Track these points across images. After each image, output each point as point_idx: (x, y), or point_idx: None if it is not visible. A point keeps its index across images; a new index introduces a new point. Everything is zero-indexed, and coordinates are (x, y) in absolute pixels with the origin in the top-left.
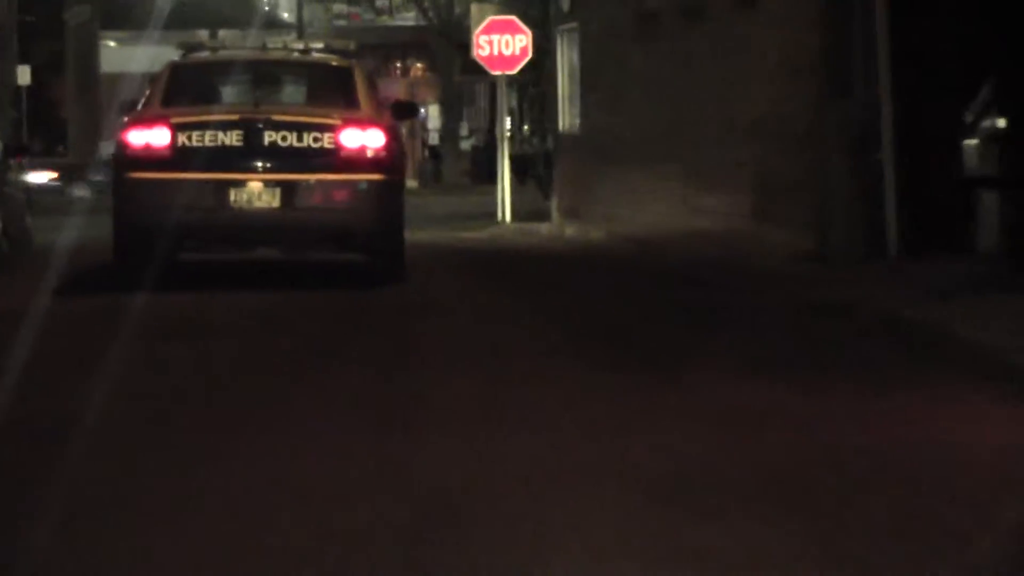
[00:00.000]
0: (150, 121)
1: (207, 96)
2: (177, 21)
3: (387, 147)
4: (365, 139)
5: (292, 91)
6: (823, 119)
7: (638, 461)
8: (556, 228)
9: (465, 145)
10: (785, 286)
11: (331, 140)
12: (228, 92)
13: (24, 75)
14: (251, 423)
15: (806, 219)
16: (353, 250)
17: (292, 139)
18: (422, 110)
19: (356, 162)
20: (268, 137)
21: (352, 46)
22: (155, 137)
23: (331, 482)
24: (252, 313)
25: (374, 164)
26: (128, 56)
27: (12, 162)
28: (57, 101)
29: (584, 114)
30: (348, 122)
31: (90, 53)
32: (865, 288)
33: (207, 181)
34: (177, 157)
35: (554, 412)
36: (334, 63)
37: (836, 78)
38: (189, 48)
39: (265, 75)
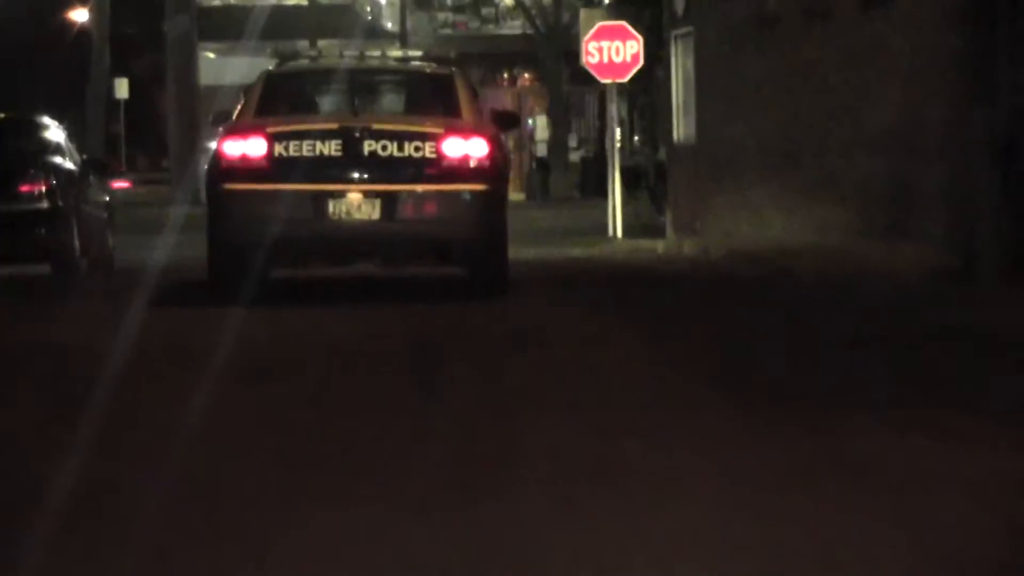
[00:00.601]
0: (245, 131)
1: (304, 105)
2: (276, 31)
3: (491, 156)
4: (468, 148)
5: (391, 100)
6: (965, 127)
7: (813, 544)
8: (672, 246)
9: (574, 157)
10: (930, 310)
11: (433, 149)
12: (325, 101)
13: (122, 88)
14: (320, 485)
15: (945, 234)
16: (454, 264)
17: (393, 148)
18: (529, 121)
19: (459, 172)
20: (368, 147)
21: (453, 54)
22: (251, 147)
23: (410, 564)
24: (340, 340)
25: (477, 174)
26: (226, 67)
27: (92, 179)
28: (161, 115)
29: (700, 123)
30: (450, 131)
31: (189, 65)
32: (1018, 311)
33: (305, 192)
34: (274, 168)
35: (685, 471)
36: (434, 71)
37: (978, 83)
38: (284, 57)
39: (363, 83)
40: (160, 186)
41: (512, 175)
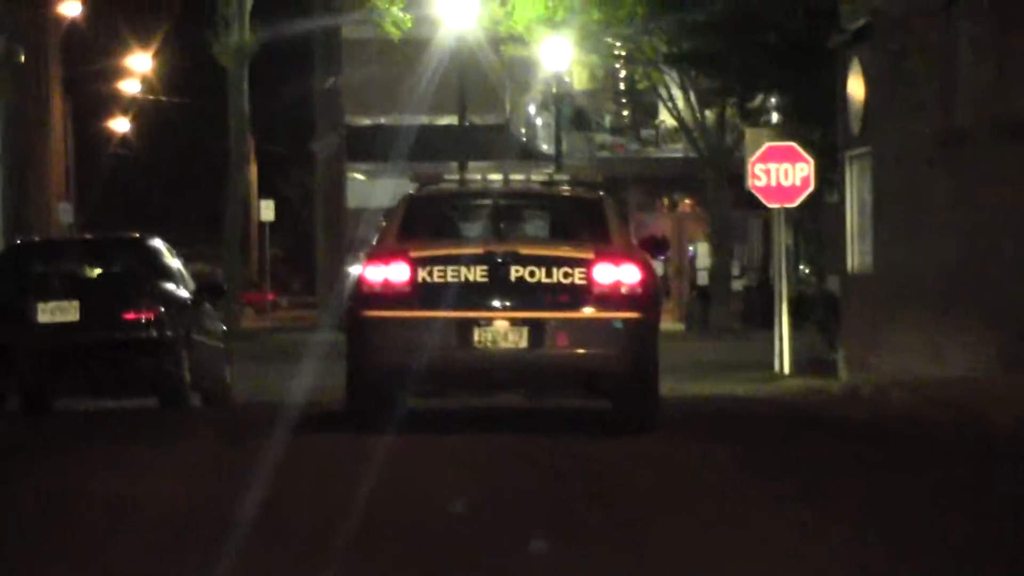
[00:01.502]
0: (387, 256)
1: (447, 230)
2: (424, 152)
3: (643, 283)
4: (619, 275)
5: (537, 224)
6: None
7: None
8: (847, 387)
9: (736, 285)
10: None
11: (583, 275)
12: (469, 225)
13: (268, 211)
14: None
15: None
16: (603, 395)
17: (541, 275)
18: (690, 248)
19: (610, 299)
20: (515, 272)
21: (599, 178)
22: (393, 273)
23: None
24: (470, 484)
25: (629, 302)
26: (374, 189)
27: (207, 307)
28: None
29: (876, 251)
30: (601, 256)
31: (337, 185)
32: None
33: (449, 320)
34: (417, 294)
35: None
36: (582, 195)
37: None
38: (425, 180)
39: (508, 207)
40: (312, 310)
41: (671, 304)
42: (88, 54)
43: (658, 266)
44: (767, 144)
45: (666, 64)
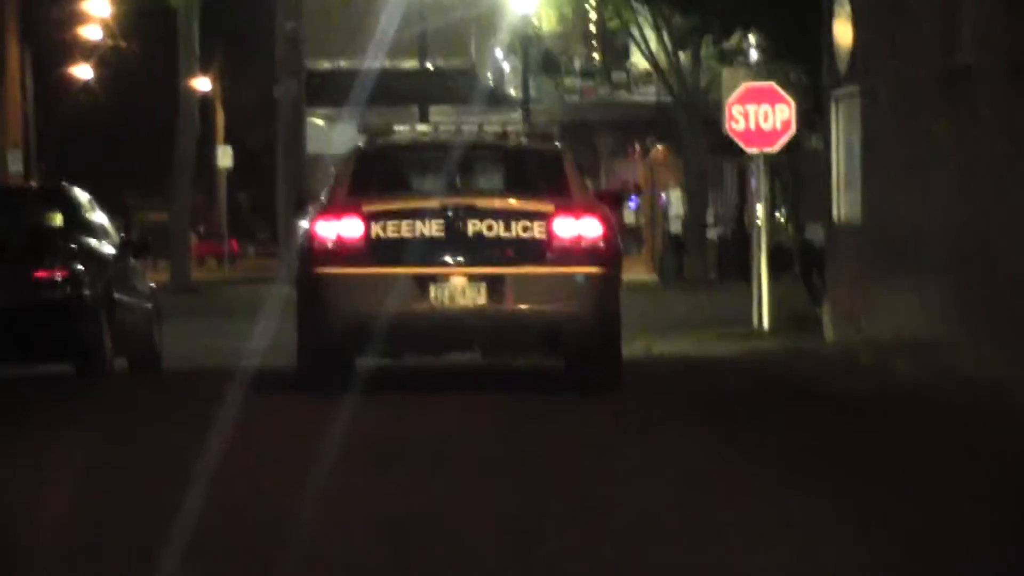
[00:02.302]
0: (339, 211)
1: (400, 183)
2: (388, 96)
3: (605, 237)
4: (580, 228)
5: (494, 177)
6: None
7: None
8: (838, 349)
9: (711, 235)
10: None
11: (543, 229)
12: (423, 178)
13: (225, 157)
14: None
15: None
16: (564, 354)
17: (499, 228)
18: (662, 195)
19: (571, 254)
20: (472, 226)
21: (555, 129)
22: (345, 228)
23: None
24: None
25: (591, 256)
26: (333, 135)
27: (135, 262)
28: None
29: (867, 201)
30: (561, 209)
31: (297, 132)
32: None
33: (405, 276)
34: (370, 250)
35: None
36: (539, 146)
37: None
38: (375, 131)
39: (463, 160)
40: (275, 260)
41: (644, 254)
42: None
43: (630, 215)
44: (745, 84)
45: (639, 1)
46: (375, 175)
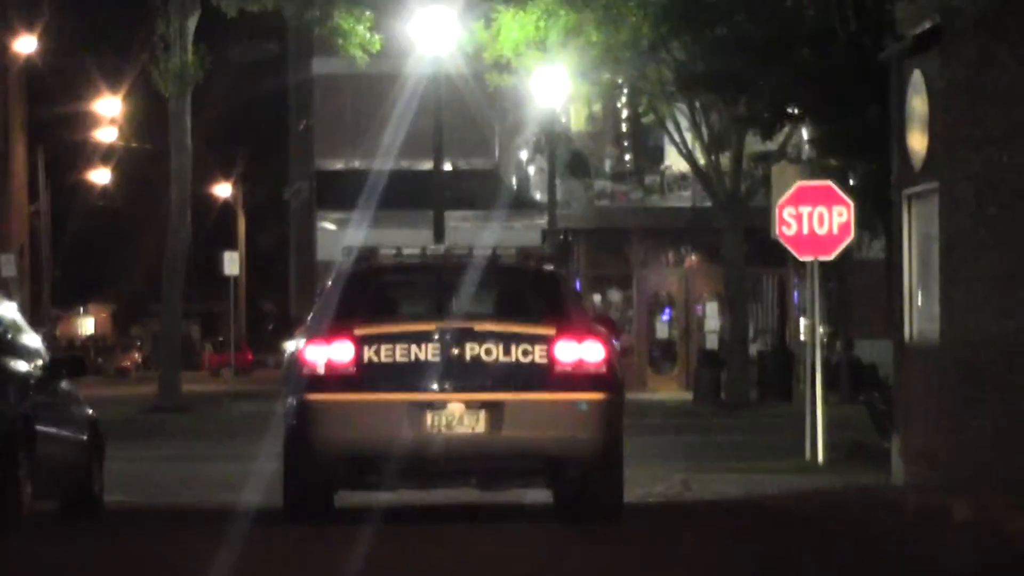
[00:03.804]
0: (330, 334)
1: (392, 305)
2: (401, 200)
3: (607, 361)
4: (583, 352)
5: (489, 299)
6: None
7: None
8: (917, 495)
9: (751, 351)
10: None
11: (544, 353)
12: (417, 301)
13: (232, 265)
14: None
15: None
16: (565, 483)
17: (498, 352)
18: (698, 307)
19: (574, 379)
20: (470, 351)
21: (547, 248)
22: (336, 352)
23: None
24: None
25: (594, 381)
26: (346, 240)
27: (68, 386)
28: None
29: (948, 316)
30: (563, 333)
31: (308, 236)
32: None
33: (399, 403)
34: (363, 375)
35: None
36: (536, 267)
37: None
38: (363, 254)
39: (458, 281)
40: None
41: (677, 370)
42: (54, 99)
43: (662, 328)
44: (798, 183)
45: (678, 89)
46: (365, 297)
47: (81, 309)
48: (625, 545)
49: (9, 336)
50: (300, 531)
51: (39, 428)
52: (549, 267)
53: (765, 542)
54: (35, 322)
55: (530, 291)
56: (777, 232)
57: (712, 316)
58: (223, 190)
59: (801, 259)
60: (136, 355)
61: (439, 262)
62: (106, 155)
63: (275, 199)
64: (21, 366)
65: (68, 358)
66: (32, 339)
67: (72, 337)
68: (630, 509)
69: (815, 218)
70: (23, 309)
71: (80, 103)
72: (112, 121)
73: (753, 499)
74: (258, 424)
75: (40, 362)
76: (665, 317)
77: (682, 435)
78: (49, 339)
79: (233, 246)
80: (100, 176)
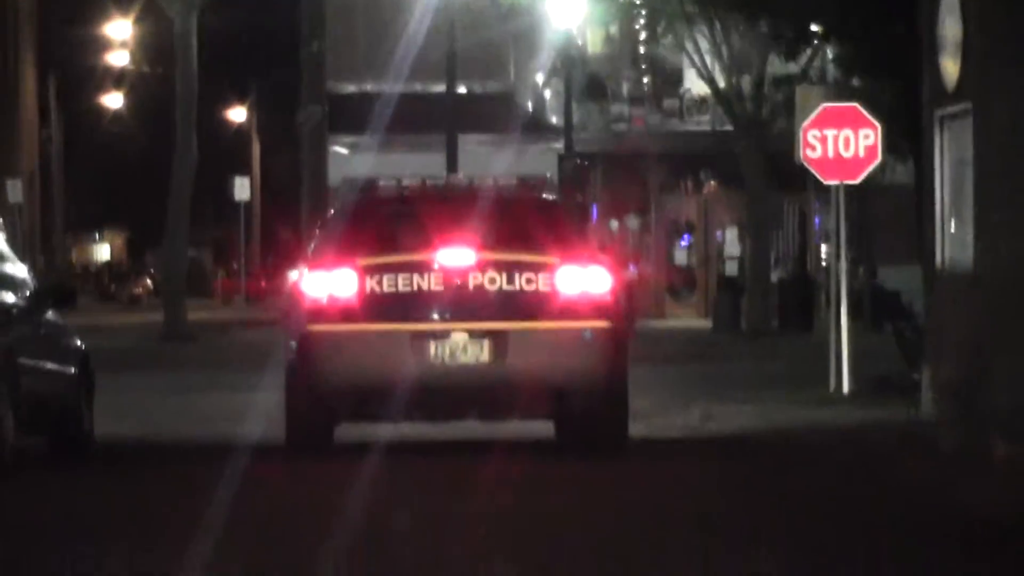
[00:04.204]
0: (331, 263)
1: (394, 236)
2: (414, 123)
3: (612, 290)
4: (586, 280)
5: (492, 228)
6: None
7: None
8: (951, 433)
9: (772, 278)
10: None
11: (547, 281)
12: (419, 230)
13: (243, 189)
14: None
15: None
16: (568, 415)
17: (501, 282)
18: (717, 233)
19: (577, 307)
20: (473, 280)
21: (549, 176)
22: (338, 282)
23: None
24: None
25: (598, 309)
26: (359, 164)
27: (52, 316)
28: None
29: (984, 242)
30: (566, 260)
31: (321, 161)
32: None
33: (402, 332)
34: (365, 305)
35: None
36: (538, 195)
37: None
38: (363, 185)
39: (458, 211)
40: None
41: (696, 298)
42: (65, 23)
43: (681, 254)
44: (823, 105)
45: (698, 8)
46: (365, 228)
47: (96, 235)
48: (626, 491)
49: None
50: (302, 466)
51: (21, 360)
52: (552, 195)
53: (787, 490)
54: (45, 248)
55: (532, 220)
56: (802, 155)
57: (732, 242)
58: (238, 115)
59: (826, 183)
60: (148, 282)
61: (440, 193)
62: (118, 80)
63: (290, 124)
64: (3, 297)
65: (55, 287)
66: (17, 268)
67: (88, 263)
68: (644, 443)
69: (840, 141)
70: (32, 234)
71: (91, 26)
72: (123, 45)
73: (778, 432)
74: (263, 354)
75: (27, 292)
76: (683, 243)
77: (701, 364)
78: (63, 265)
79: (247, 172)
80: (113, 101)
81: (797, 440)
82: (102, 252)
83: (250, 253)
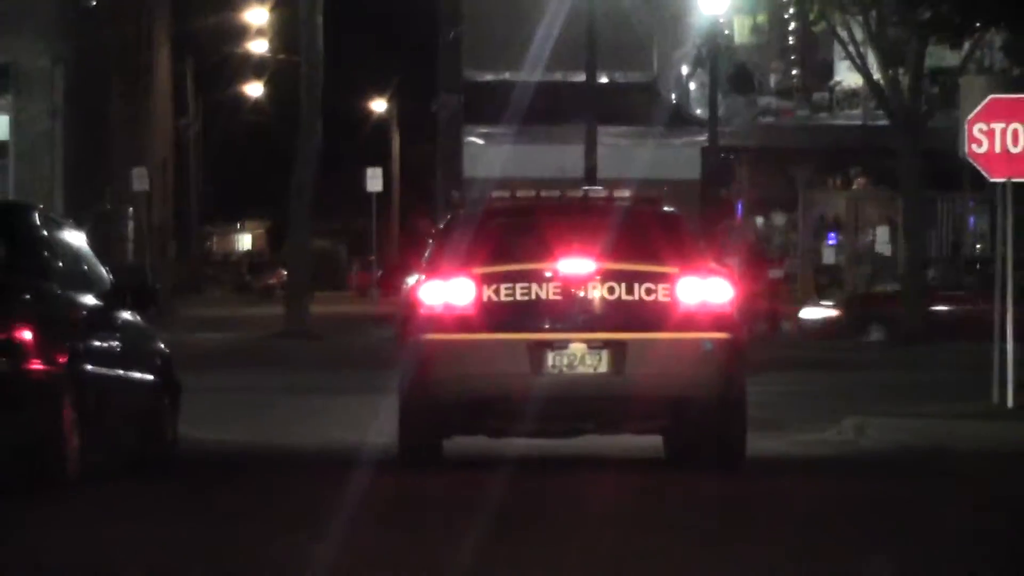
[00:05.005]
0: (448, 271)
1: (511, 245)
2: (556, 114)
3: (732, 300)
4: (706, 291)
5: (610, 238)
6: None
7: None
8: None
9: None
10: None
11: (667, 292)
12: (535, 241)
13: (376, 182)
14: None
15: None
16: (681, 430)
17: (620, 292)
18: (870, 234)
19: (697, 318)
20: (591, 290)
21: (665, 190)
22: (455, 290)
23: None
24: None
25: (718, 320)
26: (494, 156)
27: (135, 318)
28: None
29: None
30: (686, 271)
31: (456, 152)
32: None
33: (519, 342)
34: (482, 314)
35: None
36: (658, 208)
37: None
38: (467, 199)
39: (576, 222)
40: None
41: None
42: (202, 9)
43: (828, 253)
44: (990, 97)
45: None
46: (482, 237)
47: (238, 225)
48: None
49: (52, 254)
50: (416, 480)
51: (89, 368)
52: (671, 208)
53: (968, 528)
54: (180, 236)
55: (652, 231)
56: (966, 150)
57: (882, 242)
58: (378, 106)
59: (992, 180)
60: (283, 273)
61: (557, 203)
62: (257, 68)
63: (428, 114)
64: (75, 295)
65: (132, 286)
66: (96, 270)
67: (229, 252)
68: (785, 460)
69: (1009, 135)
70: (165, 224)
71: (227, 14)
72: (259, 32)
73: (940, 450)
74: (384, 355)
75: (98, 287)
76: (831, 241)
77: (852, 373)
78: (196, 254)
79: (388, 163)
80: (252, 89)
81: (969, 460)
82: (243, 242)
83: (385, 245)
